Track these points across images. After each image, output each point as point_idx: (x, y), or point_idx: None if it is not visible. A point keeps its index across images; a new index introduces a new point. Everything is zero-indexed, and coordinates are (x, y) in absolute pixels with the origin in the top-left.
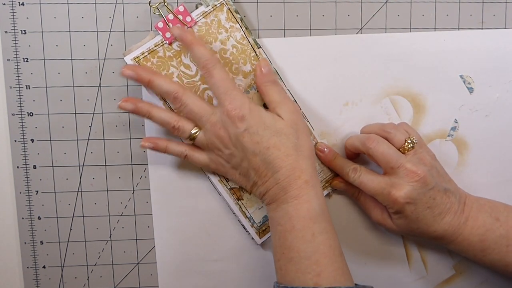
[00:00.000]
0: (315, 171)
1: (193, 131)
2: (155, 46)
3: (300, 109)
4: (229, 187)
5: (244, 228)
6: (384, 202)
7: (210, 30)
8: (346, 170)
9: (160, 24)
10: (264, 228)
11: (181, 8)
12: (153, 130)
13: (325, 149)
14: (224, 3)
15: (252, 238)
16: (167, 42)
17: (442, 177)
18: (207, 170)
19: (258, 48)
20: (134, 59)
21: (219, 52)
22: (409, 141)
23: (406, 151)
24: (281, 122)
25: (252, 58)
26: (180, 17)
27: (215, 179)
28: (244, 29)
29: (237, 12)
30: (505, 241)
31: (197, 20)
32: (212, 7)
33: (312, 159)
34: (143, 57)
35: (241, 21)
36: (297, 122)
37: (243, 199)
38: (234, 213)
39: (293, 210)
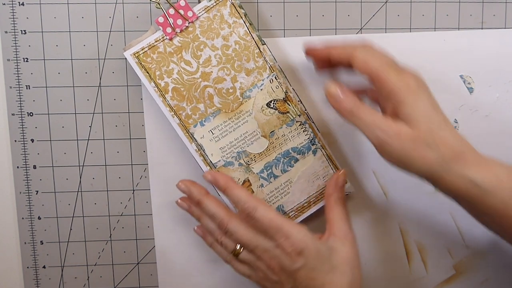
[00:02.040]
0: None
1: (237, 247)
2: (156, 42)
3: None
4: None
5: None
6: (395, 81)
7: (212, 25)
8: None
9: (161, 19)
10: None
11: (182, 3)
12: (153, 130)
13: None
14: None
15: None
16: (167, 37)
17: None
18: (249, 279)
19: (263, 44)
20: (134, 54)
21: (221, 48)
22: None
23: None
24: (337, 257)
25: (256, 55)
26: (182, 11)
27: None
28: (248, 24)
29: (241, 7)
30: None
31: (199, 15)
32: (215, 2)
33: None
34: (143, 53)
35: (245, 16)
36: (354, 255)
37: None
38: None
39: None
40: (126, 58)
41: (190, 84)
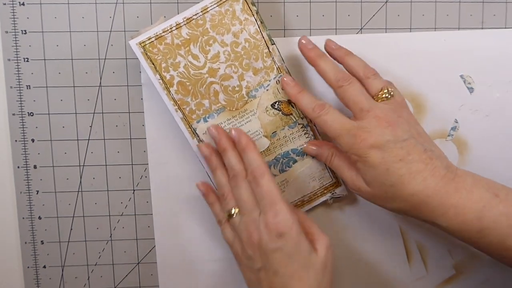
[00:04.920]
0: None
1: (233, 210)
2: (163, 32)
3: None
4: None
5: None
6: (349, 145)
7: (224, 20)
8: (311, 106)
9: None
10: None
11: None
12: (153, 130)
13: (290, 82)
14: None
15: None
16: (175, 28)
17: (422, 137)
18: (229, 247)
19: (272, 44)
20: (140, 44)
21: (231, 45)
22: (386, 91)
23: (379, 100)
24: (315, 257)
25: (265, 55)
26: None
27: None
28: (259, 22)
29: (253, 4)
30: (506, 220)
31: (210, 8)
32: None
33: None
34: (149, 43)
35: (256, 14)
36: (329, 260)
37: None
38: None
39: None
40: (126, 58)
41: (196, 79)
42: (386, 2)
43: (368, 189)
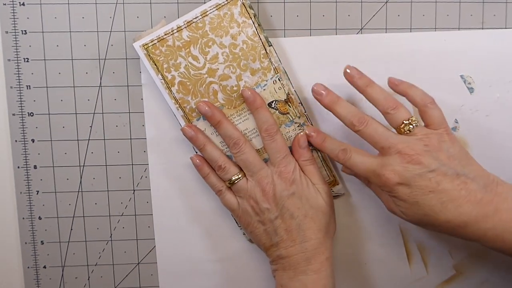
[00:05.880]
0: (332, 254)
1: (235, 177)
2: (165, 35)
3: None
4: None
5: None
6: (378, 184)
7: (222, 23)
8: (335, 152)
9: None
10: None
11: None
12: (153, 130)
13: (313, 133)
14: None
15: (249, 239)
16: (176, 31)
17: (456, 161)
18: (232, 212)
19: (269, 46)
20: (143, 46)
21: (229, 46)
22: (407, 122)
23: (402, 133)
24: (321, 200)
25: (262, 56)
26: None
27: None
28: (256, 25)
29: (251, 7)
30: None
31: (210, 11)
32: (226, 0)
33: (332, 239)
34: (152, 45)
35: (254, 17)
36: (332, 205)
37: None
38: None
39: (311, 283)
40: (126, 58)
41: (196, 79)
42: (386, 2)
43: (403, 215)
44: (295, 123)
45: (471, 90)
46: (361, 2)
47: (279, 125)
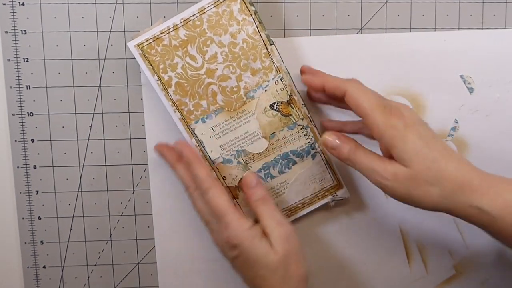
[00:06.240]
0: None
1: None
2: (161, 34)
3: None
4: (224, 185)
5: None
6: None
7: (221, 21)
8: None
9: None
10: None
11: None
12: (153, 130)
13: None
14: None
15: None
16: (173, 29)
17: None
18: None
19: (271, 45)
20: (138, 45)
21: (228, 45)
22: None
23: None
24: (271, 256)
25: (263, 55)
26: None
27: None
28: (257, 23)
29: (251, 4)
30: None
31: (207, 9)
32: None
33: (300, 286)
34: (147, 44)
35: (255, 14)
36: (289, 251)
37: (238, 198)
38: None
39: None
40: (126, 58)
41: (194, 80)
42: (386, 2)
43: (407, 170)
44: (298, 125)
45: (471, 90)
46: (361, 2)
47: (281, 127)
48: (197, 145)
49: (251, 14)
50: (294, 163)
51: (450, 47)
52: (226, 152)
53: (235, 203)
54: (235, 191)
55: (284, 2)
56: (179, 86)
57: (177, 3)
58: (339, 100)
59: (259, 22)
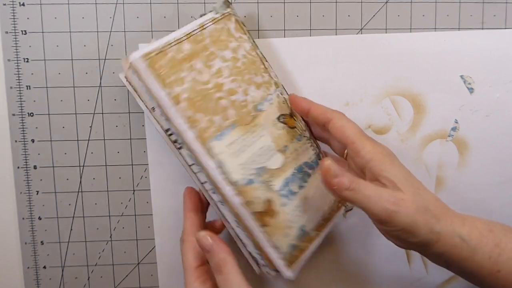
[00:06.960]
0: None
1: None
2: (167, 46)
3: None
4: (251, 212)
5: (256, 261)
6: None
7: (221, 37)
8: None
9: None
10: (293, 256)
11: None
12: (153, 130)
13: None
14: (231, 14)
15: (268, 272)
16: (176, 43)
17: None
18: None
19: (266, 61)
20: (145, 56)
21: (231, 60)
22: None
23: None
24: None
25: (262, 70)
26: None
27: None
28: (252, 41)
29: (244, 24)
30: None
31: (207, 25)
32: (221, 15)
33: None
34: (155, 55)
35: (248, 33)
36: None
37: (268, 225)
38: (243, 243)
39: None
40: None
41: (203, 95)
42: (386, 2)
43: (408, 196)
44: (304, 137)
45: (471, 90)
46: (361, 2)
47: (291, 140)
48: (217, 166)
49: (245, 33)
50: (309, 175)
51: (450, 47)
52: (246, 171)
53: (264, 232)
54: (264, 218)
55: (284, 2)
56: (189, 101)
57: (177, 3)
58: (320, 127)
59: (253, 41)
